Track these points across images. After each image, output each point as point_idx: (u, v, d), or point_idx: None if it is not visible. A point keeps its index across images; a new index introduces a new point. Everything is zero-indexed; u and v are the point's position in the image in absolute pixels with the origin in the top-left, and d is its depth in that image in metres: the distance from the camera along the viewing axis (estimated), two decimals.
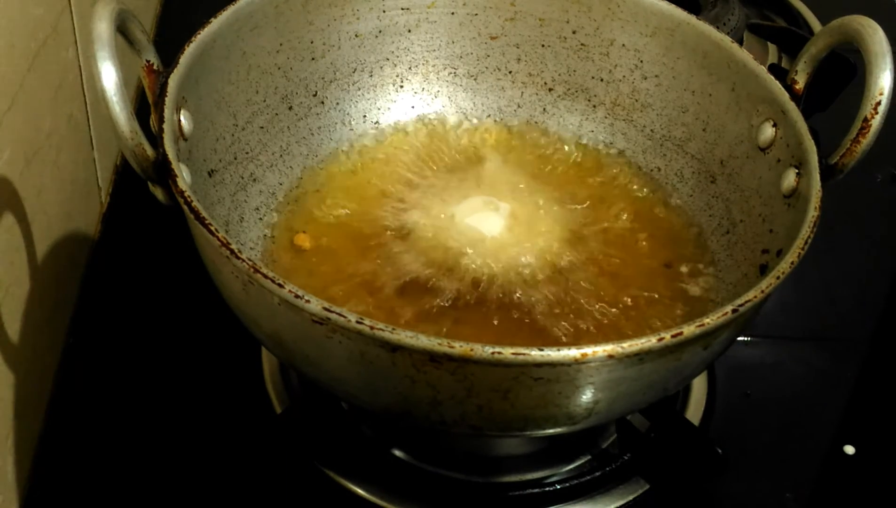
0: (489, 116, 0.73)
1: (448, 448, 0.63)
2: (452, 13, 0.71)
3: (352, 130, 0.71)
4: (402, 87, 0.72)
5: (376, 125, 0.72)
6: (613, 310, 0.60)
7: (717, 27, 0.66)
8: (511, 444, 0.64)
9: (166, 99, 0.53)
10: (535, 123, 0.73)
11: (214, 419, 0.64)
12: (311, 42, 0.68)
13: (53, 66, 0.65)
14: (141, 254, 0.75)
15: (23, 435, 0.59)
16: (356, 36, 0.69)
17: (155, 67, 0.55)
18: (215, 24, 0.59)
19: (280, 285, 0.45)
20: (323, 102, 0.70)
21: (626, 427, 0.63)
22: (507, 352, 0.44)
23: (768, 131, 0.61)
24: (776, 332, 0.73)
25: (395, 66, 0.72)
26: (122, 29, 0.52)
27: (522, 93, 0.73)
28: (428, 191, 0.67)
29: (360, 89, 0.71)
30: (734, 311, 0.47)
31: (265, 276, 0.46)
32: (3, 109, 0.56)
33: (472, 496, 0.62)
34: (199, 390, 0.66)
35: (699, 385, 0.68)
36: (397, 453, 0.63)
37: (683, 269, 0.64)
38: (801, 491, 0.64)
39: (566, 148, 0.72)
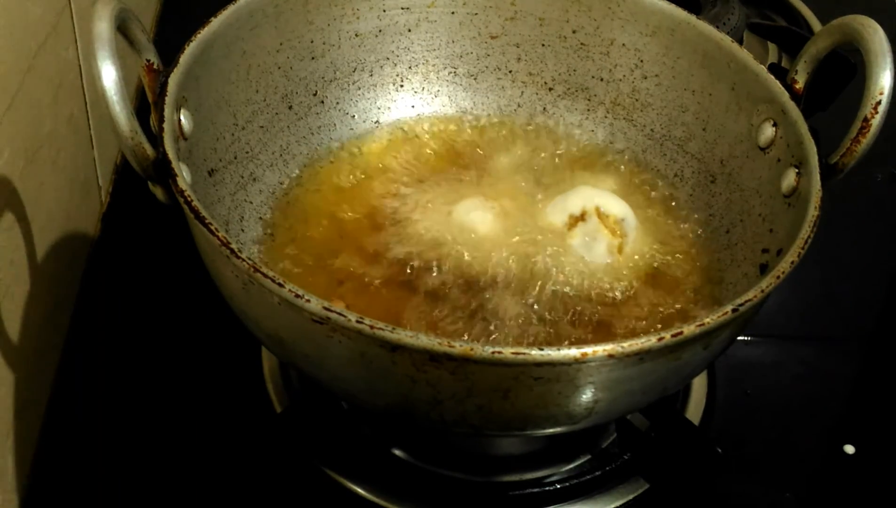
0: (489, 115, 0.73)
1: (448, 447, 0.63)
2: (452, 13, 0.71)
3: (352, 129, 0.71)
4: (402, 86, 0.72)
5: (376, 125, 0.72)
6: (612, 309, 0.60)
7: (717, 27, 0.67)
8: (511, 444, 0.64)
9: (166, 98, 0.53)
10: (536, 122, 0.73)
11: (214, 419, 0.64)
12: (311, 41, 0.68)
13: (53, 66, 0.65)
14: (141, 254, 0.75)
15: (23, 435, 0.59)
16: (356, 35, 0.69)
17: (155, 67, 0.55)
18: (215, 23, 0.59)
19: (280, 285, 0.45)
20: (323, 102, 0.70)
21: (626, 427, 0.63)
22: (507, 352, 0.44)
23: (768, 131, 0.61)
24: (776, 332, 0.73)
25: (396, 65, 0.72)
26: (122, 28, 0.52)
27: (522, 92, 0.73)
28: (427, 190, 0.67)
29: (360, 89, 0.71)
30: (734, 310, 0.47)
31: (265, 275, 0.46)
32: (3, 108, 0.56)
33: (472, 496, 0.62)
34: (199, 389, 0.66)
35: (699, 385, 0.68)
36: (397, 453, 0.63)
37: (683, 268, 0.64)
38: (801, 491, 0.64)
39: (566, 147, 0.72)
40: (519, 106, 0.73)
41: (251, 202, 0.64)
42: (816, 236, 0.52)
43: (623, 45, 0.69)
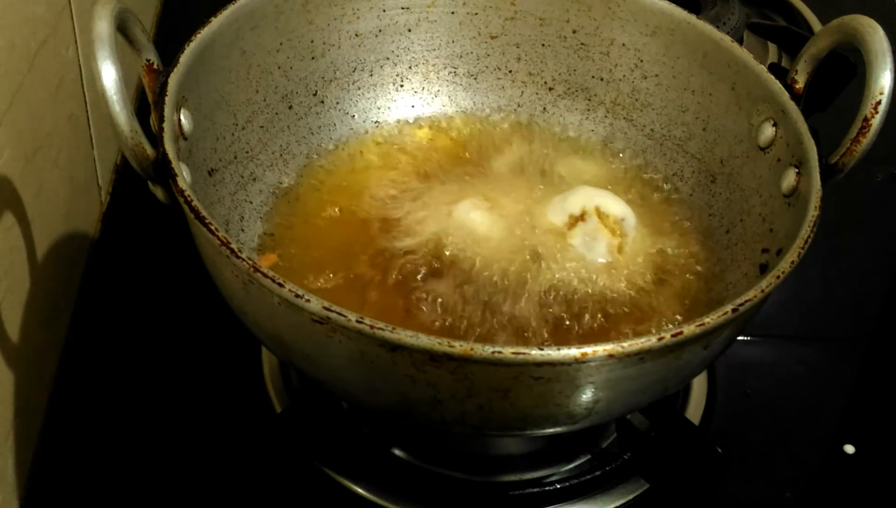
0: (489, 115, 0.73)
1: (448, 447, 0.63)
2: (452, 12, 0.71)
3: (352, 129, 0.71)
4: (402, 86, 0.72)
5: (376, 124, 0.72)
6: (612, 308, 0.60)
7: (717, 26, 0.67)
8: (511, 443, 0.64)
9: (166, 98, 0.53)
10: (536, 122, 0.73)
11: (214, 418, 0.64)
12: (311, 41, 0.68)
13: (53, 65, 0.65)
14: (141, 254, 0.75)
15: (23, 435, 0.59)
16: (356, 35, 0.69)
17: (155, 67, 0.55)
18: (215, 23, 0.59)
19: (280, 285, 0.45)
20: (323, 102, 0.70)
21: (626, 427, 0.63)
22: (508, 352, 0.44)
23: (768, 131, 0.61)
24: (776, 332, 0.73)
25: (396, 65, 0.72)
26: (122, 28, 0.52)
27: (522, 92, 0.73)
28: (427, 189, 0.67)
29: (360, 89, 0.71)
30: (734, 310, 0.47)
31: (265, 275, 0.46)
32: (3, 108, 0.56)
33: (472, 495, 0.62)
34: (199, 390, 0.66)
35: (699, 385, 0.68)
36: (397, 452, 0.63)
37: (683, 268, 0.64)
38: (801, 491, 0.64)
39: (566, 147, 0.72)
40: (519, 106, 0.73)
41: (251, 202, 0.64)
42: (816, 236, 0.52)
43: (623, 45, 0.69)
